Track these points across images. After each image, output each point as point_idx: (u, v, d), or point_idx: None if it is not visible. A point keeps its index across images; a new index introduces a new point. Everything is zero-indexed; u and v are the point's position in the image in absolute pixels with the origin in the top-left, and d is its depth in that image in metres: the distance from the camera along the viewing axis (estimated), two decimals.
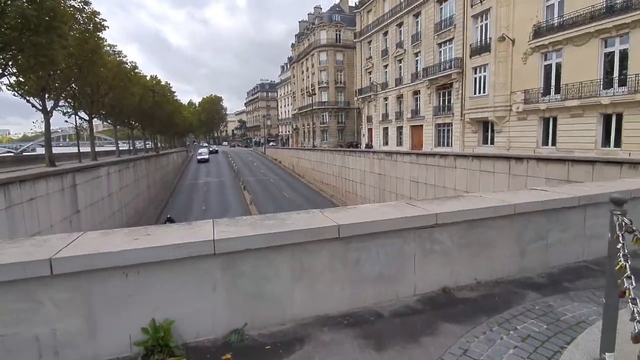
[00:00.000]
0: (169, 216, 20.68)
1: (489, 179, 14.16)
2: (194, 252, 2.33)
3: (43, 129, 34.52)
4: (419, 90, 32.33)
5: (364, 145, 44.44)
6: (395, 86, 35.87)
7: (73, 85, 25.12)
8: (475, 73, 25.66)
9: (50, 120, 30.08)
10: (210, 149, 71.64)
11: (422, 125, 32.79)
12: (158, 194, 31.90)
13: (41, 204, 10.00)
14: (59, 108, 29.12)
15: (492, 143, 25.43)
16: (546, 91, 20.21)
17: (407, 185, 19.93)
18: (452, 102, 28.90)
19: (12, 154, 51.18)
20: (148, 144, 70.88)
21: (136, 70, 35.82)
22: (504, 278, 3.52)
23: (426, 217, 3.04)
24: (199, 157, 60.68)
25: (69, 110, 29.62)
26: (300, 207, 28.92)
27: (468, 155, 15.58)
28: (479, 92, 25.39)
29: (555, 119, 19.69)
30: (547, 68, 20.41)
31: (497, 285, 3.40)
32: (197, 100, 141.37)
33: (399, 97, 35.78)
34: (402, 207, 3.31)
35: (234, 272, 2.51)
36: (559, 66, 19.47)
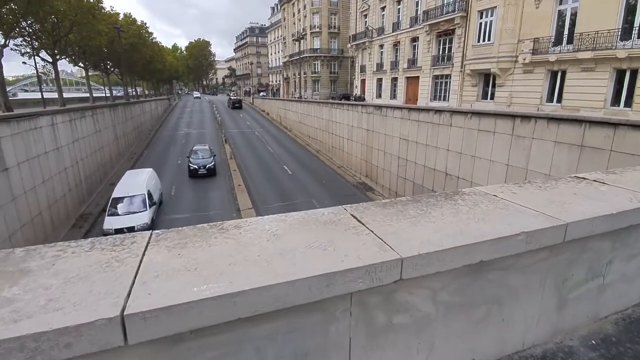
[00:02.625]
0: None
1: (488, 140, 12.40)
2: None
3: (31, 72, 30.99)
4: (418, 37, 29.20)
5: (356, 98, 41.70)
6: (393, 32, 32.45)
7: (25, 20, 21.86)
8: (481, 17, 22.80)
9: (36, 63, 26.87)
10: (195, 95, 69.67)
11: (418, 77, 30.14)
12: (130, 146, 29.64)
13: None
14: (15, 47, 25.87)
15: (492, 98, 23.37)
16: (557, 41, 18.15)
17: (397, 143, 18.10)
18: (452, 51, 26.12)
19: None
20: (138, 90, 66.90)
21: (101, 5, 31.70)
22: (525, 352, 1.92)
23: (386, 266, 1.33)
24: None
25: (28, 51, 26.35)
26: (283, 161, 27.17)
27: (466, 111, 13.64)
28: (483, 40, 22.73)
29: (564, 73, 17.80)
30: (561, 14, 18.13)
31: None
32: (185, 44, 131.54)
33: (396, 45, 32.53)
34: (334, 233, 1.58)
35: None
36: (574, 12, 17.26)
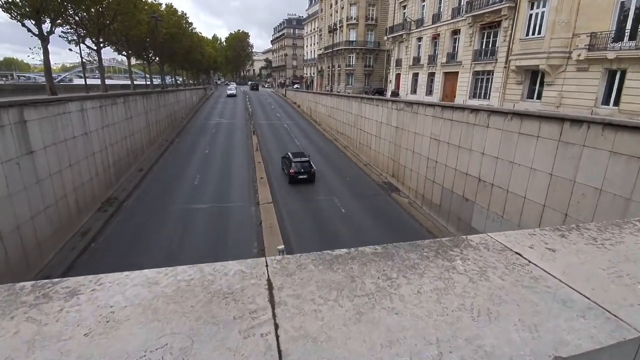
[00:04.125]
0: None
1: (530, 145, 11.04)
2: None
3: (86, 59, 32.72)
4: (459, 30, 27.33)
5: (390, 93, 40.21)
6: (432, 23, 30.66)
7: (71, 9, 22.79)
8: (532, 8, 20.85)
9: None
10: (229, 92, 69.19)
11: (457, 73, 28.31)
12: (162, 133, 30.41)
13: None
14: (62, 35, 27.19)
15: (538, 98, 21.38)
16: (618, 36, 16.23)
17: (427, 143, 16.90)
18: (497, 45, 24.16)
19: (10, 83, 50.88)
20: (178, 79, 69.19)
21: None
22: None
23: None
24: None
25: (74, 38, 27.64)
26: (310, 155, 26.64)
27: (506, 111, 12.26)
28: (533, 34, 20.74)
29: (623, 73, 15.90)
30: (624, 6, 16.25)
31: None
32: (225, 34, 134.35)
33: (435, 38, 30.75)
34: None
35: None
36: (639, 5, 15.26)
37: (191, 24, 55.15)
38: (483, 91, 26.11)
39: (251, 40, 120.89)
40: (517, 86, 22.47)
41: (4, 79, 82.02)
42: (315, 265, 1.18)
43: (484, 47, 25.58)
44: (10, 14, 16.25)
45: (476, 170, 13.45)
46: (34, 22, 17.02)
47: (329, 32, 58.21)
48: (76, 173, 14.13)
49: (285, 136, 33.84)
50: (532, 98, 21.88)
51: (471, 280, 1.12)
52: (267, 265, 1.17)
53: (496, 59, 23.81)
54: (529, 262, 1.25)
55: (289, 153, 21.91)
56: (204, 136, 32.08)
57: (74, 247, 12.83)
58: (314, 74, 77.33)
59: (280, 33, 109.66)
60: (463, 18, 26.19)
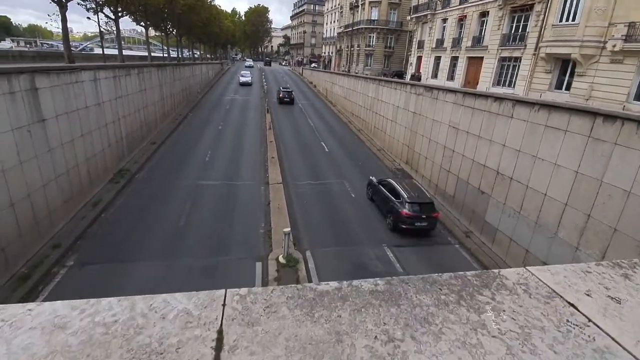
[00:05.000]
0: None
1: (557, 140, 10.33)
2: None
3: (104, 31, 32.61)
4: (488, 12, 25.78)
5: (410, 77, 38.82)
6: (460, 4, 29.03)
7: None
8: None
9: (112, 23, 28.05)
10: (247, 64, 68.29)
11: (482, 58, 26.94)
12: (177, 107, 30.26)
13: None
14: (81, 3, 26.91)
15: (567, 89, 20.20)
16: None
17: (445, 130, 16.19)
18: (527, 30, 22.72)
19: (33, 50, 51.26)
20: (195, 53, 68.51)
21: None
22: None
23: None
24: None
25: (93, 7, 27.32)
26: (322, 137, 26.19)
27: (533, 102, 11.47)
28: (567, 20, 19.38)
29: None
30: None
31: None
32: (245, 8, 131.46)
33: (461, 19, 29.17)
34: None
35: None
36: None
37: None
38: (508, 79, 24.83)
39: (271, 16, 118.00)
40: (545, 75, 21.24)
41: (28, 45, 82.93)
42: (290, 309, 0.86)
43: (513, 31, 24.12)
44: None
45: (495, 162, 12.82)
46: None
47: (350, 9, 56.11)
48: (88, 143, 14.12)
49: (299, 116, 33.27)
50: (561, 89, 20.68)
51: (509, 351, 0.78)
52: (224, 305, 0.86)
53: (525, 45, 22.45)
54: (589, 320, 0.90)
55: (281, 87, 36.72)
56: (218, 112, 31.82)
57: (84, 216, 12.96)
58: (332, 53, 75.29)
59: (300, 9, 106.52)
60: None
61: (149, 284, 9.60)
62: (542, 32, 21.06)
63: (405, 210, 12.89)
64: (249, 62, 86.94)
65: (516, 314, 0.90)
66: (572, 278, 1.07)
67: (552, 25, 20.09)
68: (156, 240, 11.78)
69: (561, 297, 0.98)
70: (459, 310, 0.90)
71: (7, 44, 71.42)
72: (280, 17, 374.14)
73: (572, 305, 0.96)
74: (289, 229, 11.30)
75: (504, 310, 0.91)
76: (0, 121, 9.23)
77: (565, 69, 20.43)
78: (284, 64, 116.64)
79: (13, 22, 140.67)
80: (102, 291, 9.24)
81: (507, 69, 24.94)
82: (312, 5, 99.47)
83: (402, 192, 13.52)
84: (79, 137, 13.35)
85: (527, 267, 1.11)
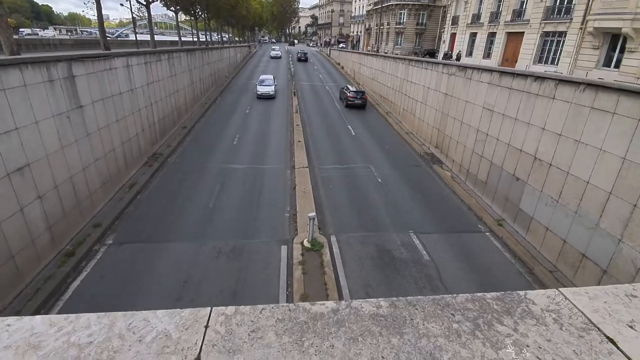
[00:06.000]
0: None
1: (603, 123, 9.46)
2: None
3: (137, 17, 33.58)
4: None
5: (442, 55, 36.96)
6: None
7: None
8: None
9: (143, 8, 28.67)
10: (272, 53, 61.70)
11: (522, 33, 25.09)
12: (206, 91, 30.76)
13: (14, 97, 8.68)
14: None
15: (616, 67, 18.50)
16: None
17: (478, 113, 15.33)
18: (573, 1, 20.78)
19: (73, 37, 53.52)
20: (224, 36, 68.83)
21: None
22: None
23: None
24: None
25: None
26: (349, 120, 25.79)
27: (579, 81, 10.51)
28: None
29: None
30: None
31: None
32: None
33: None
34: None
35: None
36: None
37: None
38: (551, 55, 23.02)
39: None
40: (592, 51, 19.47)
41: (69, 33, 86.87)
42: (278, 334, 0.77)
43: (557, 3, 22.14)
44: None
45: (532, 147, 12.02)
46: None
47: None
48: (123, 128, 14.72)
49: (325, 98, 32.83)
50: (609, 66, 18.94)
51: None
52: (207, 326, 0.79)
53: (571, 18, 20.59)
54: None
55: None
56: (246, 96, 32.04)
57: (121, 198, 13.67)
58: (360, 32, 72.98)
59: None
60: None
61: (179, 266, 10.03)
62: (590, 4, 19.18)
63: (349, 95, 28.95)
64: (276, 50, 62.42)
65: (542, 351, 0.76)
66: (614, 304, 0.91)
67: None
68: (187, 222, 12.24)
69: (599, 329, 0.83)
70: (473, 343, 0.78)
71: (49, 32, 75.13)
72: None
73: (611, 340, 0.80)
74: (314, 213, 11.33)
75: (527, 346, 0.78)
76: (42, 108, 9.76)
77: (614, 44, 18.62)
78: (311, 44, 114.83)
79: (55, 11, 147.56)
80: (138, 270, 9.79)
81: (550, 45, 23.09)
82: None
83: (350, 88, 30.44)
84: (114, 122, 13.93)
85: (560, 289, 0.96)
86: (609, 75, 17.53)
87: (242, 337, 0.78)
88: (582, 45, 20.04)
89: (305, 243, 10.92)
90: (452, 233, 12.49)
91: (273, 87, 31.61)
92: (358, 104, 28.95)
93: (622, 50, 17.97)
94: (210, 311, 0.85)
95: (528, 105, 12.35)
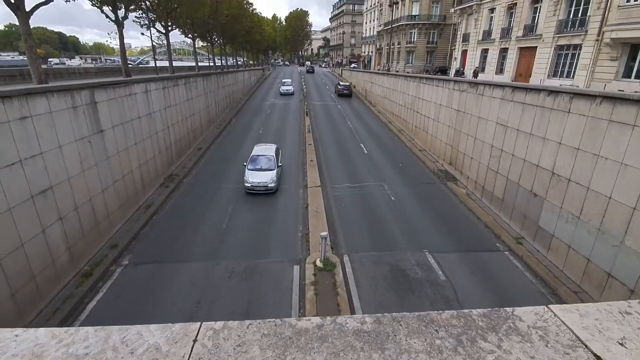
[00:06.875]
0: None
1: (623, 136, 9.20)
2: None
3: (158, 42, 35.49)
4: None
5: (454, 72, 37.10)
6: None
7: None
8: None
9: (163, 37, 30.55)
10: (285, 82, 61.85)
11: (535, 48, 25.00)
12: (221, 113, 31.68)
13: (40, 123, 9.20)
14: (136, 20, 29.32)
15: (637, 77, 18.09)
16: None
17: (492, 128, 15.18)
18: (588, 14, 20.67)
19: (97, 66, 56.55)
20: (239, 60, 71.60)
21: None
22: None
23: None
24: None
25: (146, 23, 29.70)
26: (361, 138, 25.94)
27: (594, 94, 10.34)
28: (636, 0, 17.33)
29: None
30: None
31: None
32: (285, 13, 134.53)
33: (511, 7, 27.33)
34: None
35: None
36: None
37: (251, 4, 56.00)
38: (566, 69, 22.76)
39: (310, 19, 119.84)
40: (610, 63, 19.16)
41: (94, 62, 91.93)
42: (263, 349, 0.80)
43: (571, 16, 22.07)
44: (91, 0, 17.76)
45: (550, 162, 11.76)
46: (110, 9, 18.44)
47: (390, 6, 55.06)
48: (141, 151, 15.25)
49: (337, 117, 33.24)
50: (630, 77, 18.54)
51: None
52: (195, 340, 0.82)
53: (586, 30, 20.43)
54: None
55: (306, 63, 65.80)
56: (259, 116, 32.80)
57: (138, 218, 13.99)
58: (371, 52, 74.35)
59: (339, 10, 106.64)
60: None
61: (193, 286, 10.09)
62: (606, 15, 19.03)
63: (339, 87, 45.65)
64: (287, 85, 47.34)
65: None
66: (606, 321, 0.89)
67: (618, 6, 18.10)
68: (201, 242, 12.38)
69: (586, 346, 0.82)
70: (455, 359, 0.78)
71: (76, 61, 79.61)
72: (319, 19, 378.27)
73: (598, 358, 0.79)
74: (326, 232, 11.28)
75: None
76: (66, 133, 10.27)
77: (634, 54, 18.29)
78: (323, 65, 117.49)
79: (81, 41, 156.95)
80: (152, 290, 9.89)
81: (564, 58, 22.88)
82: (351, 5, 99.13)
83: (340, 83, 47.72)
84: (132, 145, 14.47)
85: (549, 306, 0.95)
86: (630, 87, 17.15)
87: (228, 351, 0.81)
88: (599, 57, 19.77)
89: (318, 263, 10.83)
90: (469, 252, 12.16)
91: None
92: (346, 93, 45.02)
93: None
94: (200, 326, 0.89)
95: (543, 119, 12.17)
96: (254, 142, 24.73)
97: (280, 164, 17.82)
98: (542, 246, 11.96)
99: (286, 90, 46.03)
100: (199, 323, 0.90)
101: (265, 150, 18.32)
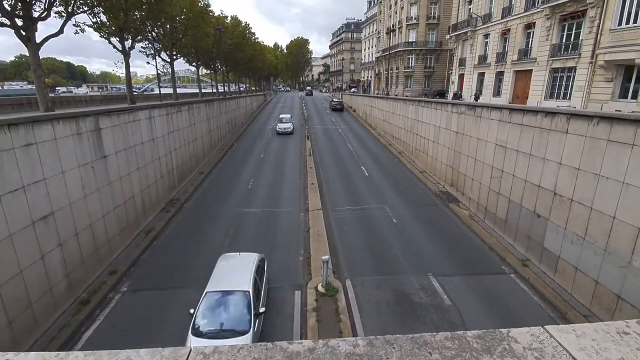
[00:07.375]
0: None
1: (623, 155, 9.24)
2: None
3: (163, 70, 36.54)
4: (534, 23, 24.69)
5: (452, 95, 37.82)
6: (502, 18, 28.18)
7: (149, 26, 25.34)
8: None
9: (167, 66, 31.44)
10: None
11: (530, 71, 25.58)
12: (223, 138, 32.12)
13: (44, 150, 9.34)
14: (142, 50, 30.38)
15: (633, 98, 18.37)
16: None
17: (491, 150, 15.29)
18: (580, 38, 21.30)
19: (103, 93, 58.17)
20: (241, 87, 73.45)
21: (210, 10, 34.99)
22: None
23: None
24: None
25: (152, 53, 30.77)
26: (362, 161, 26.10)
27: (591, 115, 10.48)
28: (627, 23, 17.95)
29: None
30: None
31: None
32: (286, 41, 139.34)
33: (504, 33, 28.21)
34: None
35: None
36: None
37: (254, 33, 58.08)
38: (562, 91, 23.18)
39: (311, 46, 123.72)
40: (606, 84, 19.52)
41: (100, 90, 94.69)
42: None
43: (564, 40, 22.73)
44: (100, 32, 18.47)
45: (551, 182, 11.74)
46: (118, 39, 19.16)
47: (387, 33, 56.96)
48: (143, 176, 15.36)
49: (338, 141, 33.61)
50: (626, 97, 18.83)
51: None
52: None
53: (579, 54, 20.97)
54: None
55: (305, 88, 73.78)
56: (260, 141, 33.21)
57: (138, 244, 13.89)
58: (371, 77, 76.25)
59: (339, 38, 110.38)
60: (539, 9, 23.61)
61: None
62: (598, 39, 19.59)
63: (333, 103, 57.25)
64: (285, 122, 37.51)
65: None
66: (603, 342, 0.87)
67: (610, 29, 18.66)
68: (201, 268, 12.19)
69: None
70: None
71: (83, 90, 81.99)
72: (319, 46, 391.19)
73: None
74: (327, 256, 11.13)
75: None
76: (69, 159, 10.40)
77: (629, 75, 18.67)
78: (323, 90, 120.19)
79: (88, 70, 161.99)
80: (149, 318, 9.66)
81: (560, 81, 23.35)
82: (350, 33, 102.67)
83: (334, 99, 60.49)
84: (135, 170, 14.60)
85: (545, 327, 0.93)
86: (627, 107, 17.38)
87: None
88: (594, 79, 20.17)
89: (320, 288, 10.62)
90: (474, 275, 11.92)
91: None
92: (338, 108, 55.03)
93: (638, 81, 17.98)
94: (190, 351, 0.87)
95: (541, 140, 12.27)
96: (255, 166, 24.85)
97: (263, 310, 8.57)
98: (549, 268, 11.73)
99: (284, 129, 34.93)
100: (189, 347, 0.88)
101: (231, 272, 9.63)
